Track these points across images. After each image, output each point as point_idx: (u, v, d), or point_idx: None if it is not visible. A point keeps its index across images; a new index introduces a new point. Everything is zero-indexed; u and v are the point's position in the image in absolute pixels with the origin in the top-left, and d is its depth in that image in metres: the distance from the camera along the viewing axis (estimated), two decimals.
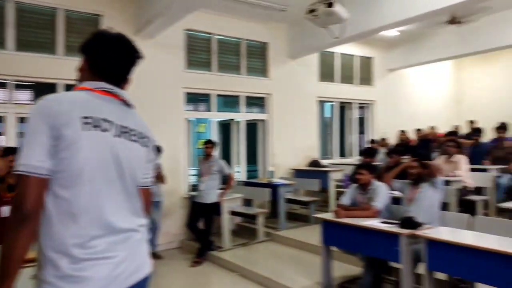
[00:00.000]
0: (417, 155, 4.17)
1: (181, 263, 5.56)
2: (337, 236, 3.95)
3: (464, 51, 8.56)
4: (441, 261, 3.05)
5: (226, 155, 7.65)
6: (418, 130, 9.18)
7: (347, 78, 9.22)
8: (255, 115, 7.82)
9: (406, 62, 9.65)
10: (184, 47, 6.76)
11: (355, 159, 8.65)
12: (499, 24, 7.67)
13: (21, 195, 1.21)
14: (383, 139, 9.02)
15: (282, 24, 7.84)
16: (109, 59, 1.43)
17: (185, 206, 6.40)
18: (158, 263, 5.54)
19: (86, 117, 1.29)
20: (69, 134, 1.24)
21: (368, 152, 6.01)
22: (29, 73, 5.45)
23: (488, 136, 7.61)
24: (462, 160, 5.57)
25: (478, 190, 5.77)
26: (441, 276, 3.43)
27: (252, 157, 7.93)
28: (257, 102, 7.85)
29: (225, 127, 8.00)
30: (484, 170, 6.03)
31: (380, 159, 7.10)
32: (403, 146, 7.65)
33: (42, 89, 5.55)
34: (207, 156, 5.69)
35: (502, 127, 6.60)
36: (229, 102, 7.65)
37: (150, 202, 1.56)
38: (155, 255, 5.69)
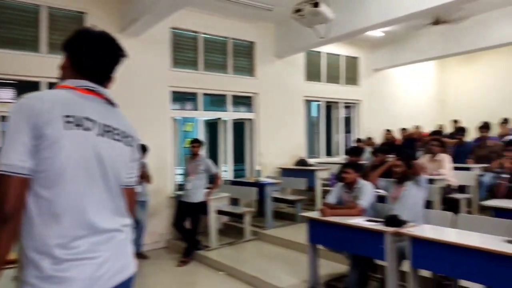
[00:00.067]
0: (402, 154, 4.22)
1: (168, 263, 5.52)
2: (323, 235, 3.97)
3: (447, 51, 8.70)
4: (425, 259, 3.09)
5: (213, 154, 7.63)
6: (403, 129, 9.31)
7: (333, 78, 9.28)
8: (242, 114, 7.81)
9: (391, 62, 9.76)
10: (170, 46, 6.71)
11: (341, 158, 8.71)
12: (482, 25, 7.81)
13: (2, 195, 1.19)
14: (369, 138, 9.12)
15: (269, 24, 7.85)
16: (92, 57, 1.41)
17: (171, 205, 6.36)
18: (144, 263, 5.50)
19: (68, 116, 1.27)
20: (50, 133, 1.22)
21: (354, 151, 6.07)
22: (11, 71, 5.34)
23: (471, 135, 7.76)
24: (446, 159, 5.66)
25: (462, 189, 5.87)
26: (425, 273, 3.48)
27: (239, 156, 7.92)
28: (244, 101, 7.84)
29: (212, 126, 7.98)
30: (467, 169, 6.14)
31: (366, 158, 7.17)
32: (389, 145, 7.75)
33: (25, 87, 5.44)
34: (193, 155, 5.66)
35: (485, 127, 6.72)
36: (216, 101, 7.63)
37: (134, 202, 1.54)
38: (141, 255, 5.66)
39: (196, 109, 7.19)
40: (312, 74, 8.86)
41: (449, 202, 5.33)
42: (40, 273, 1.21)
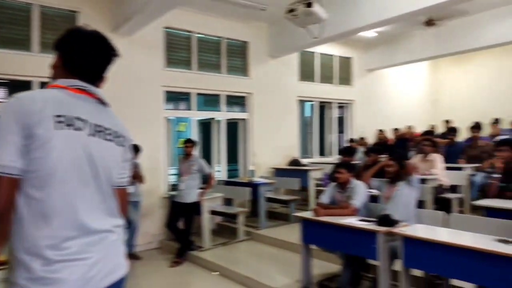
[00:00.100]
0: (394, 154, 4.25)
1: (161, 264, 5.50)
2: (316, 235, 3.98)
3: (440, 52, 8.76)
4: (417, 258, 3.11)
5: (207, 154, 7.62)
6: (396, 129, 9.36)
7: (326, 78, 9.30)
8: (235, 114, 7.81)
9: (384, 63, 9.81)
10: (163, 45, 6.69)
11: (334, 158, 8.74)
12: (474, 26, 7.88)
13: None
14: (362, 138, 9.16)
15: (263, 23, 7.86)
16: (83, 57, 1.40)
17: (164, 206, 6.34)
18: (137, 263, 5.48)
19: (59, 116, 1.26)
20: (41, 133, 1.21)
21: (347, 151, 6.09)
22: (3, 70, 5.29)
23: (463, 135, 7.82)
24: (438, 159, 5.70)
25: (453, 188, 5.91)
26: (417, 272, 3.50)
27: (232, 156, 7.92)
28: (237, 101, 7.84)
29: (206, 126, 7.96)
30: (459, 169, 6.18)
31: (359, 158, 7.20)
32: (381, 145, 7.79)
33: (16, 86, 5.39)
34: (187, 155, 5.65)
35: (476, 127, 6.78)
36: (210, 101, 7.62)
37: (126, 202, 1.53)
38: (134, 256, 5.63)
39: (189, 109, 7.17)
40: (306, 74, 8.88)
41: (441, 201, 5.36)
42: (30, 275, 1.20)
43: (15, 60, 5.36)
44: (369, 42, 9.55)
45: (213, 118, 7.59)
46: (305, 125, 9.18)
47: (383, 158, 5.38)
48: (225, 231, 6.49)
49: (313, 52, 8.93)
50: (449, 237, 3.09)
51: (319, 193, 5.56)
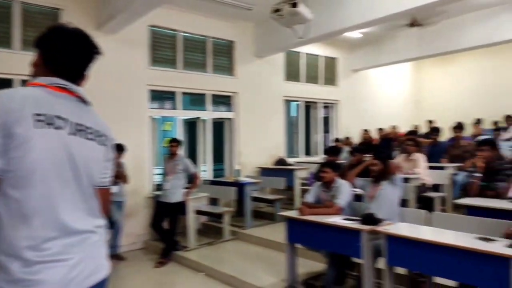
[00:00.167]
0: (379, 153, 4.29)
1: (145, 264, 5.45)
2: (302, 234, 4.00)
3: (423, 53, 8.90)
4: (400, 256, 3.15)
5: (192, 154, 7.58)
6: (380, 129, 9.47)
7: (312, 78, 9.35)
8: (221, 114, 7.79)
9: (368, 63, 9.92)
10: (148, 44, 6.63)
11: (320, 157, 8.79)
12: (456, 27, 8.02)
13: None
14: (347, 138, 9.23)
15: (249, 23, 7.85)
16: (64, 54, 1.38)
17: (149, 205, 6.28)
18: (121, 264, 5.43)
19: (38, 114, 1.24)
20: (20, 132, 1.19)
21: (332, 151, 6.13)
22: None
23: (445, 135, 7.96)
24: (421, 158, 5.78)
25: (436, 187, 6.01)
26: (400, 270, 3.54)
27: (218, 156, 7.89)
28: (223, 100, 7.82)
29: (191, 126, 7.92)
30: (441, 168, 6.28)
31: (344, 157, 7.26)
32: (366, 144, 7.87)
33: None
34: (172, 154, 5.61)
35: (458, 127, 6.89)
36: (195, 100, 7.58)
37: (108, 203, 1.51)
38: (118, 257, 5.58)
39: (175, 108, 7.12)
40: (292, 74, 8.91)
41: (424, 200, 5.45)
42: (8, 277, 1.17)
43: None
44: (354, 43, 9.63)
45: (198, 118, 7.56)
46: (291, 124, 9.21)
47: (368, 157, 5.44)
48: (211, 231, 6.47)
49: (298, 52, 8.96)
50: (431, 235, 3.14)
51: (304, 192, 5.59)
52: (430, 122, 9.79)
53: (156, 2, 5.16)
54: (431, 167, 5.99)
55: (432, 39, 8.41)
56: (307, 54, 9.16)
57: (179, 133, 7.28)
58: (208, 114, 7.55)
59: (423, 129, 9.78)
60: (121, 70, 6.20)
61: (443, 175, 6.09)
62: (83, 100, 1.40)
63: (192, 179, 5.67)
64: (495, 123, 8.90)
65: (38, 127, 1.22)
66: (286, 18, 4.84)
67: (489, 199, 4.12)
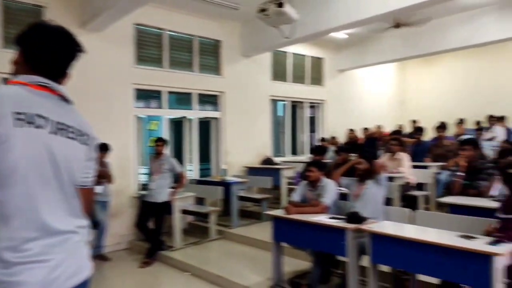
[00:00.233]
0: (364, 153, 4.34)
1: (130, 264, 5.40)
2: (288, 232, 4.02)
3: (407, 54, 9.03)
4: (384, 254, 3.19)
5: (179, 153, 7.54)
6: (365, 129, 9.56)
7: (298, 78, 9.39)
8: (208, 113, 7.76)
9: (354, 64, 10.01)
10: (134, 42, 6.56)
11: (306, 157, 8.84)
12: (440, 29, 8.15)
13: None
14: (333, 138, 9.30)
15: (235, 22, 7.84)
16: (46, 52, 1.36)
17: (134, 205, 6.22)
18: (105, 265, 5.38)
19: (18, 113, 1.21)
20: (0, 131, 1.16)
21: (318, 150, 6.15)
22: None
23: (429, 135, 8.08)
24: (405, 158, 5.86)
25: (420, 186, 6.10)
26: (385, 268, 3.58)
27: (205, 155, 7.87)
28: (210, 99, 7.79)
29: (178, 125, 7.88)
30: (425, 167, 6.37)
31: (330, 157, 7.31)
32: (351, 144, 7.94)
33: None
34: (158, 154, 5.57)
35: (442, 127, 7.00)
36: (182, 99, 7.54)
37: (90, 203, 1.49)
38: (102, 257, 5.52)
39: (161, 107, 7.07)
40: (278, 73, 8.93)
41: (408, 199, 5.52)
42: None
43: None
44: (340, 43, 9.70)
45: (185, 117, 7.52)
46: (277, 124, 9.24)
47: (353, 157, 5.49)
48: (197, 230, 6.45)
49: (285, 52, 8.99)
50: (415, 233, 3.19)
51: (291, 191, 5.61)
52: (414, 122, 9.92)
53: (142, 0, 5.11)
54: (415, 166, 6.08)
55: (416, 40, 8.53)
56: (293, 54, 9.19)
57: (165, 133, 7.23)
58: (195, 113, 7.52)
59: (407, 128, 9.91)
60: (106, 69, 6.13)
61: (426, 174, 6.19)
62: (65, 99, 1.38)
63: (178, 179, 5.64)
64: (478, 123, 9.05)
65: (18, 126, 1.20)
66: (272, 18, 4.84)
67: (471, 198, 4.19)
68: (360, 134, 9.44)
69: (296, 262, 4.58)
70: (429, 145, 7.05)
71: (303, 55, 9.46)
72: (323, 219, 3.68)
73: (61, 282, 1.26)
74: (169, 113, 7.31)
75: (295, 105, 9.57)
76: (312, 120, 9.99)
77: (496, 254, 2.52)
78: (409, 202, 5.36)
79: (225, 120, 7.80)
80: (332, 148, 8.04)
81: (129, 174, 6.43)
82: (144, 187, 6.31)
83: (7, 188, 1.19)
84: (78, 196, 1.38)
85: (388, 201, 4.56)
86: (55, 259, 1.26)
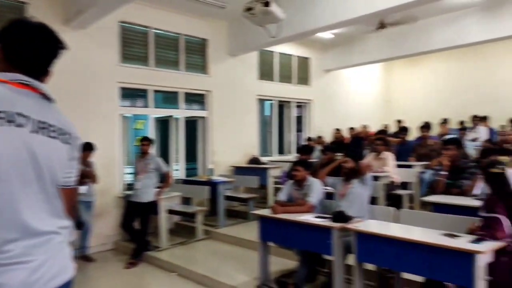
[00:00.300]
0: (350, 152, 4.37)
1: (115, 265, 5.34)
2: (274, 232, 4.02)
3: (392, 54, 9.13)
4: (369, 253, 3.22)
5: (165, 153, 7.48)
6: (351, 128, 9.64)
7: (285, 78, 9.41)
8: (194, 112, 7.72)
9: (340, 64, 10.07)
10: (119, 40, 6.48)
11: (293, 156, 8.86)
12: (424, 30, 8.26)
13: None
14: (319, 137, 9.35)
15: (222, 21, 7.81)
16: (27, 49, 1.33)
17: (119, 205, 6.15)
18: (90, 266, 5.31)
19: None
20: None
21: (304, 150, 6.17)
22: None
23: (413, 134, 8.18)
24: (390, 157, 5.92)
25: (404, 185, 6.17)
26: (370, 266, 3.62)
27: (191, 155, 7.82)
28: (196, 99, 7.75)
29: (164, 124, 7.82)
30: (409, 166, 6.45)
31: (316, 156, 7.34)
32: (337, 143, 7.98)
33: None
34: (143, 153, 5.52)
35: (426, 126, 7.10)
36: (168, 98, 7.48)
37: (73, 203, 1.46)
38: (87, 258, 5.45)
39: (147, 106, 7.00)
40: (265, 73, 8.93)
41: (393, 198, 5.58)
42: None
43: None
44: (326, 43, 9.76)
45: (171, 116, 7.46)
46: (264, 123, 9.24)
47: (339, 156, 5.52)
48: (183, 230, 6.41)
49: (272, 52, 9.00)
50: (399, 232, 3.22)
51: (278, 190, 5.62)
52: (399, 121, 10.03)
53: None
54: (399, 166, 6.14)
55: (402, 41, 8.63)
56: (280, 53, 9.21)
57: (151, 132, 7.16)
58: (181, 112, 7.47)
59: (393, 128, 10.02)
60: (90, 67, 6.04)
61: (411, 173, 6.27)
62: (46, 97, 1.35)
63: (164, 178, 5.60)
64: (461, 123, 9.21)
65: None
66: (258, 17, 4.84)
67: (454, 197, 4.25)
68: (346, 134, 9.50)
69: (283, 262, 4.59)
70: (413, 145, 7.14)
71: (290, 55, 9.49)
72: (309, 218, 3.70)
73: (42, 283, 1.24)
74: (155, 112, 7.25)
75: (282, 105, 9.59)
76: (299, 120, 10.03)
77: (478, 252, 2.57)
78: (394, 201, 5.41)
79: (212, 119, 7.77)
80: (318, 147, 8.08)
81: (114, 173, 6.35)
82: (130, 187, 6.25)
83: None
84: (60, 196, 1.35)
85: (373, 200, 4.60)
86: (36, 260, 1.23)
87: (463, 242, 2.74)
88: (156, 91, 7.07)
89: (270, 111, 9.38)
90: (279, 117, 9.51)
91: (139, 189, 5.39)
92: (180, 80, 7.31)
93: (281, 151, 9.55)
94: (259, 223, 4.10)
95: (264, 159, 8.44)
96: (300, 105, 9.99)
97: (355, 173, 4.12)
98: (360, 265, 3.31)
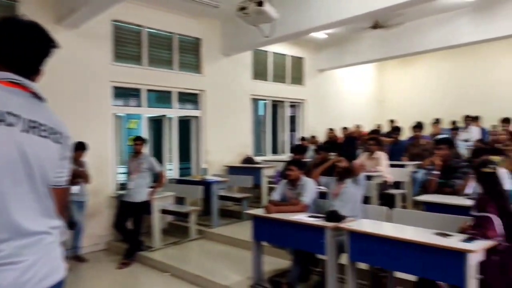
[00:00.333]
0: (343, 152, 4.38)
1: (108, 265, 5.31)
2: (268, 231, 4.03)
3: (385, 55, 9.18)
4: (362, 252, 3.23)
5: (158, 152, 7.45)
6: (345, 128, 9.67)
7: (279, 77, 9.42)
8: (188, 112, 7.70)
9: (334, 64, 10.10)
10: (111, 39, 6.44)
11: (287, 156, 8.87)
12: (417, 30, 8.31)
13: None
14: (313, 137, 9.37)
15: (216, 21, 7.80)
16: (17, 48, 1.31)
17: (112, 205, 6.11)
18: (82, 266, 5.28)
19: None
20: None
21: (298, 149, 6.17)
22: None
23: (406, 134, 8.23)
24: (383, 157, 5.95)
25: (397, 184, 6.20)
26: (363, 266, 3.63)
27: (185, 154, 7.80)
28: (190, 98, 7.73)
29: (157, 124, 7.79)
30: (402, 166, 6.49)
31: (310, 156, 7.36)
32: (331, 143, 8.01)
33: None
34: (136, 153, 5.49)
35: (418, 126, 7.14)
36: (162, 97, 7.45)
37: (64, 203, 1.45)
38: (79, 258, 5.42)
39: (140, 106, 6.96)
40: (259, 73, 8.93)
41: (386, 197, 5.61)
42: None
43: None
44: (320, 43, 9.78)
45: (164, 115, 7.43)
46: (258, 123, 9.24)
47: (333, 156, 5.54)
48: (177, 230, 6.39)
49: (266, 51, 9.00)
50: (392, 231, 3.24)
51: (271, 190, 5.62)
52: (392, 121, 10.07)
53: None
54: (392, 165, 6.18)
55: (394, 41, 8.67)
56: (274, 53, 9.21)
57: (145, 131, 7.13)
58: (175, 112, 7.44)
59: (385, 128, 10.06)
60: (83, 66, 6.00)
61: (403, 172, 6.30)
62: (37, 96, 1.34)
63: (157, 178, 5.58)
64: (453, 122, 9.27)
65: None
66: (251, 17, 4.84)
67: (446, 196, 4.29)
68: (339, 134, 9.53)
69: (276, 261, 4.59)
70: (406, 145, 7.18)
71: (284, 55, 9.50)
72: (302, 217, 3.70)
73: (33, 284, 1.23)
74: (148, 112, 7.21)
75: (276, 104, 9.59)
76: (293, 119, 10.04)
77: (470, 251, 2.59)
78: (386, 200, 5.44)
79: (205, 119, 7.75)
80: (312, 147, 8.10)
81: (107, 173, 6.31)
82: (123, 186, 6.22)
83: None
84: (51, 196, 1.34)
85: (366, 200, 4.63)
86: (27, 261, 1.22)
87: (455, 241, 2.76)
88: (149, 91, 7.04)
89: (264, 110, 9.38)
90: (273, 117, 9.52)
91: (132, 188, 5.36)
92: (174, 79, 7.28)
93: (274, 151, 9.56)
94: (253, 222, 4.10)
95: (258, 158, 8.44)
96: (294, 105, 10.01)
97: (349, 173, 4.14)
98: (353, 264, 3.33)
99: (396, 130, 7.64)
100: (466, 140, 8.18)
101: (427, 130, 8.31)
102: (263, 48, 8.71)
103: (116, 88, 6.54)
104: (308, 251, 3.80)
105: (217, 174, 7.35)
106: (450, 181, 4.45)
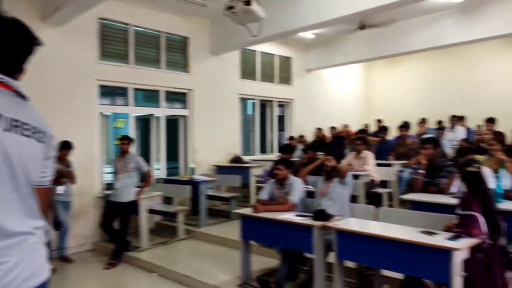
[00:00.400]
0: (331, 151, 4.41)
1: (94, 266, 5.25)
2: (256, 231, 4.03)
3: (372, 55, 9.27)
4: (349, 250, 3.25)
5: (146, 152, 7.39)
6: (333, 128, 9.72)
7: (267, 77, 9.43)
8: (176, 111, 7.65)
9: (321, 63, 10.16)
10: (97, 37, 6.36)
11: (275, 155, 8.89)
12: (404, 31, 8.40)
13: None
14: (301, 136, 9.40)
15: (203, 19, 7.77)
16: None
17: (98, 205, 6.04)
18: (69, 267, 5.22)
19: None
20: None
21: (286, 149, 6.19)
22: None
23: (393, 134, 8.31)
24: (370, 156, 6.01)
25: (384, 183, 6.26)
26: (350, 264, 3.66)
27: (172, 154, 7.76)
28: (178, 97, 7.69)
29: (145, 123, 7.72)
30: (388, 165, 6.56)
31: (298, 155, 7.38)
32: (319, 143, 8.04)
33: None
34: (123, 152, 5.44)
35: (404, 126, 7.22)
36: (149, 96, 7.40)
37: (48, 203, 1.43)
38: (65, 259, 5.36)
39: (127, 105, 6.90)
40: (247, 72, 8.93)
41: (373, 196, 5.66)
42: None
43: None
44: (307, 43, 9.82)
45: (152, 115, 7.38)
46: (246, 122, 9.24)
47: (320, 155, 5.57)
48: (165, 230, 6.35)
49: (254, 51, 9.00)
50: (379, 230, 3.27)
51: (260, 189, 5.62)
52: (379, 121, 10.16)
53: None
54: (379, 164, 6.24)
55: (381, 42, 8.76)
56: (262, 52, 9.22)
57: (132, 131, 7.06)
58: (162, 111, 7.39)
59: (373, 128, 10.15)
60: (68, 64, 5.92)
61: (390, 172, 6.37)
62: (20, 95, 1.31)
63: (144, 178, 5.54)
64: (439, 122, 9.39)
65: None
66: (239, 16, 4.82)
67: (432, 195, 4.33)
68: (327, 133, 9.58)
69: (264, 260, 4.60)
70: (392, 144, 7.25)
71: (272, 54, 9.51)
72: (290, 217, 3.71)
73: (16, 285, 1.20)
74: (135, 111, 7.15)
75: (264, 104, 9.60)
76: (281, 119, 10.07)
77: (455, 249, 2.62)
78: (373, 199, 5.49)
79: (193, 118, 7.72)
80: (300, 146, 8.12)
81: (93, 173, 6.24)
82: (109, 186, 6.16)
83: None
84: (34, 196, 1.32)
85: (354, 199, 4.66)
86: (10, 262, 1.20)
87: (440, 239, 2.80)
88: (136, 89, 6.98)
89: (252, 110, 9.38)
90: (261, 116, 9.52)
91: (119, 188, 5.31)
92: (161, 78, 7.23)
93: (263, 150, 9.57)
94: (241, 222, 4.10)
95: (246, 158, 8.44)
96: (282, 105, 10.03)
97: (336, 172, 4.16)
98: (340, 262, 3.35)
99: (383, 129, 7.71)
100: (453, 140, 8.29)
101: (414, 130, 8.40)
102: (251, 48, 8.71)
103: (103, 86, 6.47)
104: (296, 250, 3.81)
105: (205, 174, 7.33)
106: (435, 180, 4.51)
